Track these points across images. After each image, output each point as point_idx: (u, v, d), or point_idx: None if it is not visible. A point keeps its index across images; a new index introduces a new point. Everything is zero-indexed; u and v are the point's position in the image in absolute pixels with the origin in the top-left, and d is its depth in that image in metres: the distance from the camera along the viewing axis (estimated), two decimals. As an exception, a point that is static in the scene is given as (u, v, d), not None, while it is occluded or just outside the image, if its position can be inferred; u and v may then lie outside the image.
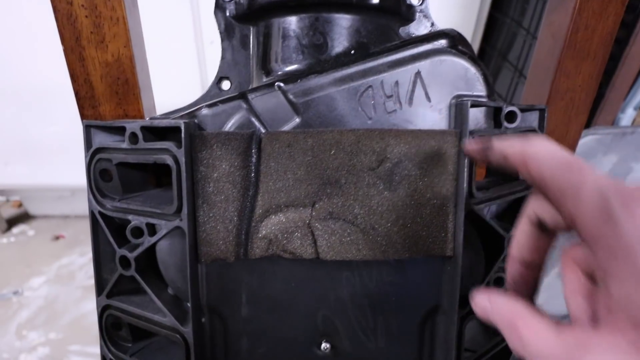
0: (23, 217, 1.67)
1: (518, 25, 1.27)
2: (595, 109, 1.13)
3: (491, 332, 0.41)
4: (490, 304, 0.24)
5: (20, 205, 1.70)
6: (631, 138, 1.12)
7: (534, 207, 0.25)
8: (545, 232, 0.25)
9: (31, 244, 1.54)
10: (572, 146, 0.51)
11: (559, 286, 0.27)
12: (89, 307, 1.27)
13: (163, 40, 1.20)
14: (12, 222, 1.64)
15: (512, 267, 0.26)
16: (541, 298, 0.28)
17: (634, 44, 1.01)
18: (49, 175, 1.36)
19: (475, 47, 1.39)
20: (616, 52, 1.04)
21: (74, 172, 1.30)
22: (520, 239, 0.26)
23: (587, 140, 1.11)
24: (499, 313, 0.23)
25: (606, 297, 0.20)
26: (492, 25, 1.39)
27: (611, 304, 0.19)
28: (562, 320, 0.21)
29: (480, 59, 1.33)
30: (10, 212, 1.70)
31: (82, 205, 1.52)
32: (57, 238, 1.55)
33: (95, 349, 1.15)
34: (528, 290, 0.27)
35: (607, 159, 1.15)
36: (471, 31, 1.34)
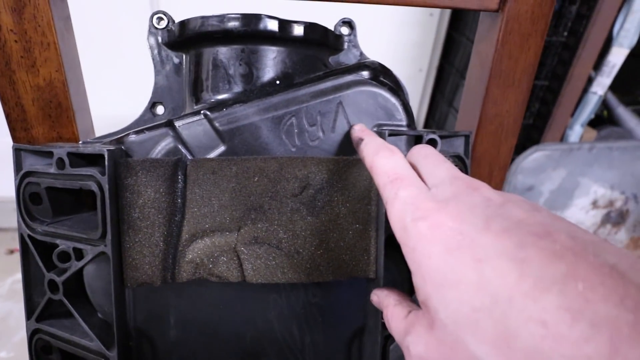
0: (-24, 230, 1.61)
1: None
2: (544, 127, 1.18)
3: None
4: (377, 297, 0.31)
5: (-27, 217, 1.64)
6: (578, 154, 1.17)
7: None
8: None
9: (-16, 258, 1.49)
10: (503, 167, 0.54)
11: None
12: (43, 324, 1.23)
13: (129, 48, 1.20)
14: (-36, 236, 1.59)
15: None
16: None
17: (577, 65, 1.06)
18: (2, 187, 1.33)
19: (435, 64, 1.43)
20: (562, 73, 1.09)
21: (29, 185, 1.27)
22: None
23: (537, 156, 1.16)
24: (378, 303, 0.31)
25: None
26: (451, 44, 1.44)
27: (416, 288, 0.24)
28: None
29: (439, 76, 1.36)
30: (-38, 225, 1.64)
31: (38, 218, 1.47)
32: (11, 252, 1.51)
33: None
34: None
35: (556, 174, 1.20)
36: (430, 49, 1.38)
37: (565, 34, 1.00)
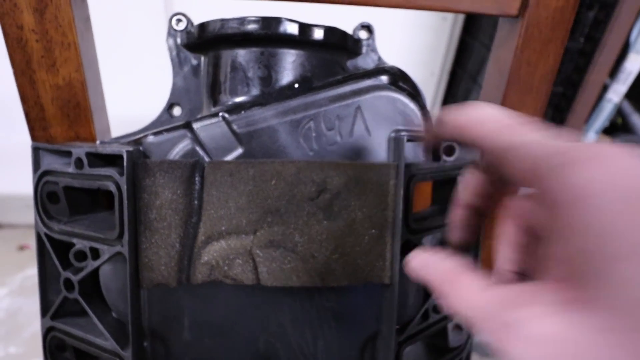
0: (-13, 226, 1.63)
1: (487, 50, 1.31)
2: (557, 133, 1.16)
3: (434, 356, 0.43)
4: (426, 263, 0.22)
5: (-15, 213, 1.66)
6: (591, 161, 1.16)
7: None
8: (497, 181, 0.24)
9: (-5, 254, 1.51)
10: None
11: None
12: (52, 320, 1.24)
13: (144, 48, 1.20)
14: (-24, 231, 1.60)
15: (456, 212, 0.26)
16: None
17: (592, 72, 1.05)
18: (15, 184, 1.34)
19: (447, 69, 1.43)
20: (577, 80, 1.08)
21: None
22: (470, 183, 0.25)
23: (549, 162, 1.14)
24: (431, 273, 0.21)
25: (546, 253, 0.18)
26: (464, 48, 1.43)
27: (550, 260, 0.18)
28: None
29: (451, 80, 1.35)
30: (-26, 220, 1.65)
31: (50, 215, 1.48)
32: (22, 248, 1.52)
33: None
34: (468, 241, 0.26)
35: (569, 181, 1.19)
36: (442, 54, 1.38)
37: (582, 40, 0.99)
